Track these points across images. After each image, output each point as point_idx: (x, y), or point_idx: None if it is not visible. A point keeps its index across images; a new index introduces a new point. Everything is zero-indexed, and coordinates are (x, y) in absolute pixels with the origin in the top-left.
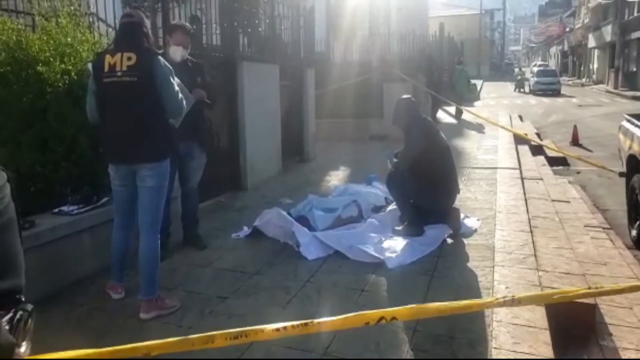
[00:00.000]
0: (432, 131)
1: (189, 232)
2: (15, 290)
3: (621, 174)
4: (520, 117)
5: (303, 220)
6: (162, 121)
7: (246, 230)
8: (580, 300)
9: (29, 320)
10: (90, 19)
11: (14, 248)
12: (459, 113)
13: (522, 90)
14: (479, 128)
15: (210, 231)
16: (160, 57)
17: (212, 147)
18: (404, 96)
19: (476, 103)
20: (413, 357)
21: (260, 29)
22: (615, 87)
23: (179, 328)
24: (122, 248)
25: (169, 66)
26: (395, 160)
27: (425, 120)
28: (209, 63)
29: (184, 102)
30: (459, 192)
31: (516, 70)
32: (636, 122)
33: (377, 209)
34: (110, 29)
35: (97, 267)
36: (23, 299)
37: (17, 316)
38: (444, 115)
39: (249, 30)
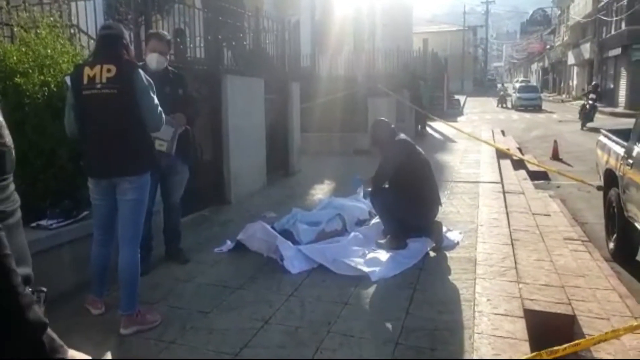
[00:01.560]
0: (409, 147)
1: (171, 246)
2: (29, 278)
3: (599, 188)
4: (503, 132)
5: (287, 234)
6: (142, 134)
7: (229, 244)
8: (558, 312)
9: (43, 303)
10: (72, 31)
11: (24, 244)
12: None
13: (504, 105)
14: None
15: (192, 245)
16: (140, 70)
17: (196, 160)
18: (379, 118)
19: (460, 118)
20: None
21: (245, 43)
22: None
23: (160, 343)
24: (102, 262)
25: (150, 80)
26: (367, 189)
27: (400, 138)
28: (193, 76)
29: (163, 117)
30: (441, 206)
31: (499, 86)
32: (613, 137)
33: (361, 223)
34: (92, 41)
35: (76, 282)
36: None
37: (36, 297)
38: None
39: (234, 43)
